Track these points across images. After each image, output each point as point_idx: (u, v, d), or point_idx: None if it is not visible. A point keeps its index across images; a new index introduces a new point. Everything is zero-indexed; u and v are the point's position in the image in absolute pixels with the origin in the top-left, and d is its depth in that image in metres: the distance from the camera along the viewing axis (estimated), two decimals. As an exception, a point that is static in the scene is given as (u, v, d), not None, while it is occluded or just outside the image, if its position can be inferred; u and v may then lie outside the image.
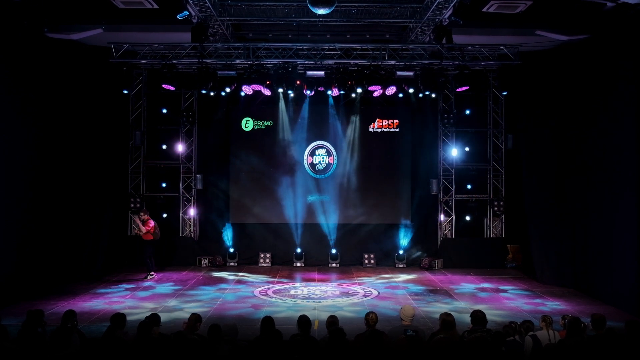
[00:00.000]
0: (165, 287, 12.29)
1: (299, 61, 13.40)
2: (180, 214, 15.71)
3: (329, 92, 14.42)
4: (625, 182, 10.36)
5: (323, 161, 15.93)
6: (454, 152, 15.72)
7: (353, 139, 15.79)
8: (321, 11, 9.72)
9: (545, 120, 13.06)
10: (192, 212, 15.74)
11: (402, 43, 13.15)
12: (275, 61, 13.34)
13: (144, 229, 12.97)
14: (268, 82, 13.53)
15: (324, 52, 13.31)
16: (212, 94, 14.01)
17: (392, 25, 12.74)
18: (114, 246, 14.43)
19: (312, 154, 15.92)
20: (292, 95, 14.71)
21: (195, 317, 6.32)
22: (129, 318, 6.59)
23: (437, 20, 11.01)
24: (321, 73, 14.04)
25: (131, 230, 15.52)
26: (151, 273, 13.06)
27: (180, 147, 15.70)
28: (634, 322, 6.03)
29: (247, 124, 15.79)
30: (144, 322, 5.98)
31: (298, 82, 13.50)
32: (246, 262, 15.47)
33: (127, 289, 12.00)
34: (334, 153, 15.89)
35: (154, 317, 6.46)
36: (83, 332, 6.55)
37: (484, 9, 11.11)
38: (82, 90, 12.84)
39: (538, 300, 11.18)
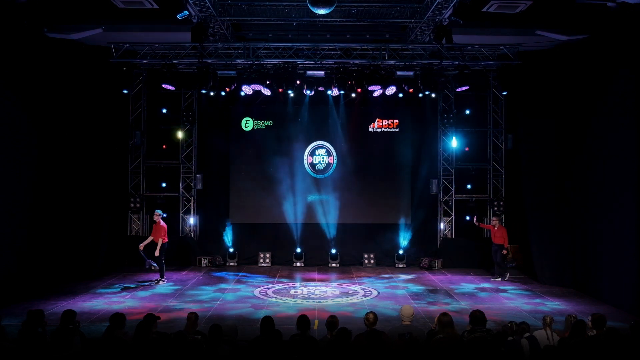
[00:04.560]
0: (165, 287, 12.28)
1: (299, 61, 13.41)
2: (180, 214, 15.72)
3: (329, 92, 14.41)
4: (625, 181, 10.36)
5: (323, 161, 15.93)
6: (454, 152, 15.72)
7: (353, 138, 15.79)
8: (321, 11, 9.72)
9: (545, 120, 13.05)
10: (192, 212, 15.75)
11: (402, 43, 13.16)
12: (275, 61, 13.34)
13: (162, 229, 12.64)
14: (268, 82, 13.53)
15: (324, 52, 13.31)
16: (212, 93, 14.04)
17: (392, 25, 12.74)
18: (114, 246, 14.45)
19: (312, 153, 15.92)
20: (292, 95, 14.69)
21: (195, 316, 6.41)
22: (128, 318, 6.59)
23: (437, 20, 11.01)
24: (321, 73, 14.05)
25: (131, 230, 15.53)
26: (163, 279, 12.77)
27: (180, 147, 15.70)
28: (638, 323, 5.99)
29: (247, 124, 15.80)
30: (142, 323, 5.96)
31: (298, 82, 13.50)
32: (246, 262, 15.48)
33: (127, 289, 12.01)
34: (334, 153, 15.89)
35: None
36: (84, 333, 6.55)
37: (484, 9, 11.11)
38: (82, 90, 12.84)
39: (538, 300, 11.18)
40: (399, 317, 6.48)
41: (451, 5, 10.35)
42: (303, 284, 12.98)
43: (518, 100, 14.19)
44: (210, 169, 15.93)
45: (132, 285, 12.37)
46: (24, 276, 10.90)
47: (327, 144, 15.92)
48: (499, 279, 13.31)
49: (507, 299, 11.28)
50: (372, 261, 15.39)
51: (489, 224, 14.63)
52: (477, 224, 14.28)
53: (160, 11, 11.19)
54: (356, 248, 15.68)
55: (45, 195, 11.65)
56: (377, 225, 15.86)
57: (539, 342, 6.08)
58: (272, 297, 11.47)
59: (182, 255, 15.22)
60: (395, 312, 9.64)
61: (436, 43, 11.48)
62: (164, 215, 15.21)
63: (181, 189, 15.76)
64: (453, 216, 15.74)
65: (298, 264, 15.32)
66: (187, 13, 10.31)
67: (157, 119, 15.69)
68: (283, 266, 15.22)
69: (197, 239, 15.80)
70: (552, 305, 10.77)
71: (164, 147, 15.78)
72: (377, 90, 13.91)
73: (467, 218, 14.43)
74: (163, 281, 12.71)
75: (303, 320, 6.00)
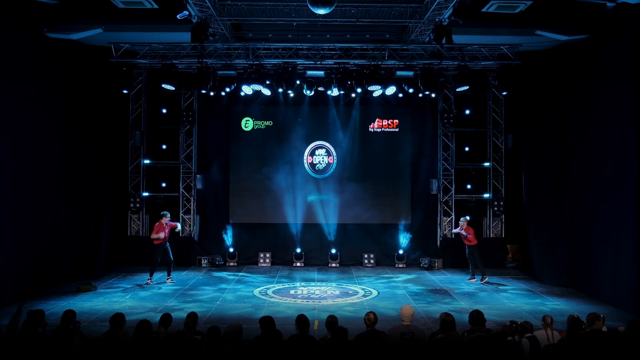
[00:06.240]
0: (165, 287, 12.28)
1: (299, 61, 13.41)
2: (180, 214, 15.71)
3: (329, 92, 14.42)
4: (625, 182, 10.35)
5: (323, 161, 15.93)
6: (454, 152, 15.71)
7: (353, 138, 15.79)
8: (321, 11, 9.72)
9: (545, 120, 13.06)
10: (192, 212, 15.74)
11: (402, 43, 13.16)
12: (275, 61, 13.34)
13: (176, 227, 12.98)
14: (268, 82, 13.53)
15: (324, 52, 13.31)
16: (212, 93, 14.05)
17: (392, 25, 12.73)
18: (114, 246, 14.45)
19: (312, 153, 15.92)
20: (292, 95, 14.72)
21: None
22: (128, 318, 6.59)
23: (437, 20, 11.01)
24: (321, 73, 14.05)
25: (131, 230, 15.53)
26: (169, 278, 12.84)
27: (180, 147, 15.70)
28: (636, 322, 5.98)
29: (247, 124, 15.80)
30: (143, 322, 5.95)
31: (298, 82, 13.50)
32: (246, 262, 15.49)
33: (127, 289, 12.00)
34: (334, 153, 15.89)
35: (165, 318, 6.46)
36: (84, 333, 6.55)
37: (484, 9, 11.11)
38: (82, 90, 12.84)
39: (538, 300, 11.18)
40: (399, 317, 6.49)
41: (451, 5, 10.35)
42: (303, 284, 12.98)
43: (518, 100, 14.19)
44: (210, 169, 15.93)
45: (132, 285, 12.38)
46: (24, 276, 10.89)
47: (327, 144, 15.92)
48: (485, 279, 13.03)
49: (507, 299, 11.28)
50: (372, 261, 15.39)
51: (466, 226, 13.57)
52: (453, 235, 13.77)
53: (160, 11, 11.19)
54: (356, 248, 15.69)
55: (45, 196, 11.64)
56: (377, 225, 15.86)
57: (540, 342, 6.07)
58: (272, 297, 11.46)
59: (182, 255, 15.20)
60: (395, 312, 9.64)
61: (436, 43, 11.47)
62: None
63: (181, 189, 15.76)
64: (453, 216, 15.74)
65: (298, 264, 15.32)
66: (187, 13, 10.31)
67: (157, 119, 15.69)
68: (283, 266, 15.23)
69: (197, 239, 15.79)
70: (552, 305, 10.76)
71: (164, 147, 15.77)
72: (377, 90, 13.91)
73: (453, 231, 14.08)
74: (153, 281, 12.70)
75: (303, 320, 6.00)
